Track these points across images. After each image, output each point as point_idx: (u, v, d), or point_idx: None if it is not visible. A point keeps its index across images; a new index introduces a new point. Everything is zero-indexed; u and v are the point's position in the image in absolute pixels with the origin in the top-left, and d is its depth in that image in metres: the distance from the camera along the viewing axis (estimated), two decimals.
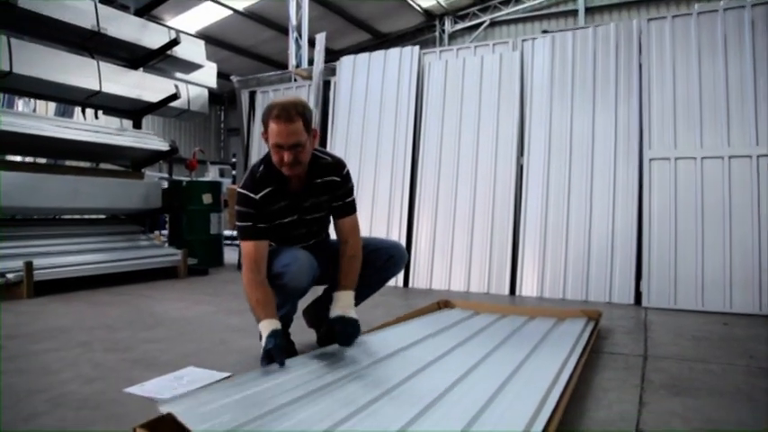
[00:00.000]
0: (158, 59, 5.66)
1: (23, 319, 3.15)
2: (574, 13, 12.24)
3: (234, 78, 6.79)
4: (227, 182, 9.64)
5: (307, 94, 5.76)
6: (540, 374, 1.83)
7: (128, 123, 5.95)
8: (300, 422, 1.36)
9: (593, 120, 4.23)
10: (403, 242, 4.49)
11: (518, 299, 4.08)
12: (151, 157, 5.71)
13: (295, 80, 6.51)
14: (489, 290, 4.30)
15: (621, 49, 4.23)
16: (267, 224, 2.14)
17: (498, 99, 4.63)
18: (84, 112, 5.66)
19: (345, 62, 5.49)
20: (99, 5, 4.98)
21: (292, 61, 7.82)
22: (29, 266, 3.87)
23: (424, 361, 1.94)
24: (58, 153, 6.03)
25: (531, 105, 4.50)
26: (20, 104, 8.00)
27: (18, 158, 6.30)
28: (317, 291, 2.43)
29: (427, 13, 13.26)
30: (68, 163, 6.51)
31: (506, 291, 4.24)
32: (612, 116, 4.16)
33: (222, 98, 16.02)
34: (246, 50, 13.32)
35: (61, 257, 4.36)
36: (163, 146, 5.55)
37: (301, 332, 2.48)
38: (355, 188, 2.37)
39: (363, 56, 5.43)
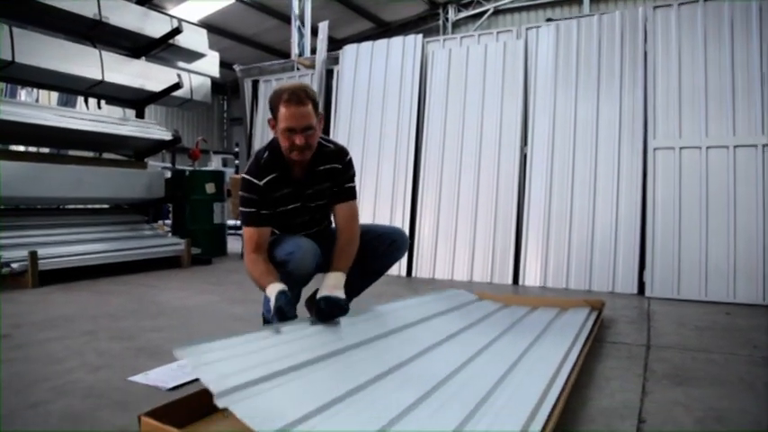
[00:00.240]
0: (161, 48, 5.64)
1: (28, 308, 3.17)
2: (579, 0, 12.12)
3: (236, 67, 6.77)
4: (230, 171, 9.62)
5: (309, 83, 5.73)
6: (544, 364, 1.83)
7: (130, 113, 5.96)
8: (299, 394, 1.36)
9: (598, 108, 4.21)
10: (406, 231, 4.49)
11: (521, 288, 4.08)
12: (154, 147, 5.71)
13: (298, 69, 6.49)
14: (492, 279, 4.31)
15: (627, 38, 4.20)
16: (270, 211, 2.14)
17: (502, 88, 4.61)
18: (86, 101, 5.67)
19: (348, 51, 5.47)
20: None
21: (295, 50, 7.79)
22: (33, 256, 3.89)
23: (429, 342, 1.95)
24: (60, 143, 6.03)
25: (534, 94, 4.47)
26: (23, 94, 8.00)
27: (21, 148, 6.31)
28: (319, 280, 2.43)
29: (430, 2, 13.15)
30: (71, 153, 6.51)
31: (509, 280, 4.25)
32: (617, 105, 4.14)
33: (225, 87, 15.95)
34: (249, 39, 13.24)
35: (65, 247, 4.38)
36: (166, 135, 5.55)
37: None
38: (358, 177, 2.36)
39: (366, 44, 5.40)
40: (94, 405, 1.67)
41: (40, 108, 5.18)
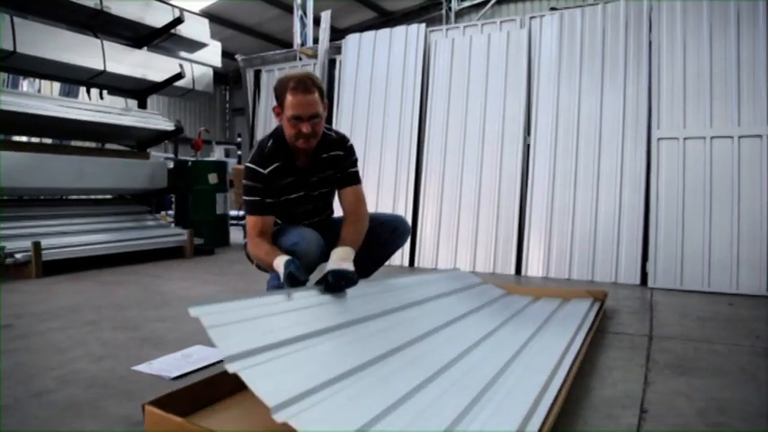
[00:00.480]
0: (162, 38, 5.62)
1: (32, 299, 3.18)
2: None
3: (239, 57, 6.74)
4: (232, 162, 9.62)
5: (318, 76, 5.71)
6: (546, 354, 1.84)
7: (132, 103, 5.94)
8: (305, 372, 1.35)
9: (602, 98, 4.18)
10: (409, 220, 4.49)
11: (523, 279, 4.08)
12: (156, 137, 5.70)
13: (300, 59, 6.46)
14: (495, 269, 4.31)
15: (631, 27, 4.16)
16: (274, 200, 2.14)
17: (505, 78, 4.58)
18: (88, 92, 5.66)
19: (351, 40, 5.44)
20: None
21: (297, 40, 7.75)
22: (37, 246, 3.90)
23: (435, 323, 1.96)
24: (63, 133, 6.03)
25: (538, 84, 4.45)
26: (24, 85, 8.00)
27: (24, 139, 6.31)
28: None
29: None
30: (74, 143, 6.52)
31: (512, 270, 4.25)
32: (621, 95, 4.12)
33: (227, 78, 15.89)
34: (251, 29, 13.18)
35: (68, 237, 4.39)
36: (168, 126, 5.55)
37: None
38: (361, 168, 2.36)
39: (369, 34, 5.37)
40: (98, 394, 1.68)
41: (42, 98, 5.17)
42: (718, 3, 3.84)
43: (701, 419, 1.49)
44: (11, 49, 4.18)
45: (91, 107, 5.05)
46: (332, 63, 5.73)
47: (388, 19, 13.54)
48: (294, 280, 1.79)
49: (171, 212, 7.28)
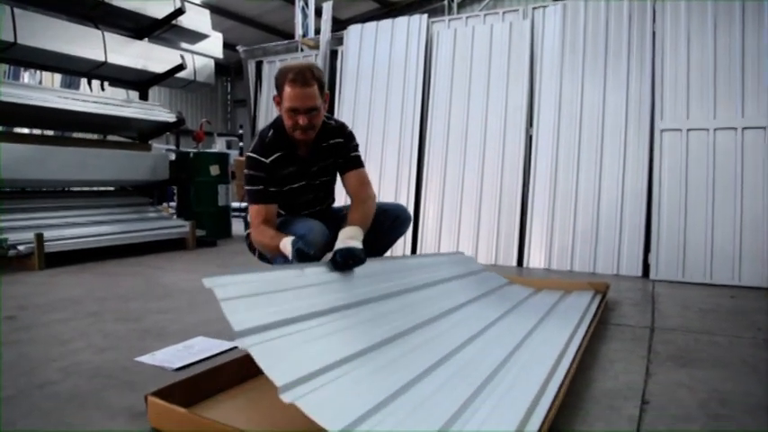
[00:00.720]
0: (163, 29, 5.60)
1: (35, 290, 3.19)
2: None
3: (240, 48, 6.72)
4: (234, 153, 9.60)
5: (319, 68, 5.69)
6: (548, 346, 1.84)
7: (134, 95, 5.93)
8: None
9: (604, 90, 4.16)
10: (411, 211, 4.49)
11: (525, 270, 4.08)
12: (158, 129, 5.70)
13: (302, 50, 6.43)
14: (497, 261, 4.31)
15: (635, 17, 4.13)
16: (277, 189, 2.14)
17: (508, 69, 4.56)
18: (90, 83, 5.64)
19: (353, 31, 5.41)
20: None
21: (299, 31, 7.72)
22: (39, 238, 3.90)
23: (438, 310, 1.97)
24: (64, 125, 6.03)
25: (541, 75, 4.43)
26: (26, 76, 7.99)
27: (25, 131, 6.30)
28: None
29: None
30: (75, 135, 6.51)
31: (514, 262, 4.25)
32: (624, 86, 4.09)
33: (228, 69, 15.85)
34: (252, 20, 13.12)
35: (71, 229, 4.40)
36: (170, 117, 5.54)
37: None
38: (362, 158, 2.35)
39: (371, 25, 5.35)
40: (101, 385, 1.69)
41: (43, 90, 5.16)
42: None
43: (703, 411, 1.49)
44: (11, 40, 4.17)
45: (92, 99, 5.04)
46: (334, 54, 5.71)
47: (390, 10, 13.47)
48: (304, 255, 1.77)
49: (173, 204, 7.29)
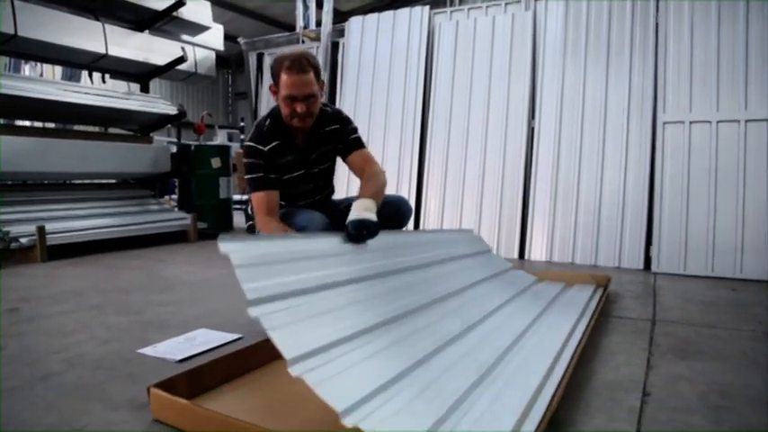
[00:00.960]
0: (164, 21, 5.57)
1: (37, 282, 3.20)
2: None
3: (241, 41, 6.70)
4: (235, 146, 9.59)
5: (315, 55, 5.67)
6: (548, 340, 1.85)
7: (135, 87, 5.92)
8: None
9: (607, 82, 4.14)
10: (412, 204, 4.49)
11: (527, 263, 4.08)
12: (159, 121, 5.69)
13: (303, 42, 6.41)
14: (498, 253, 4.30)
15: (638, 8, 4.11)
16: (277, 177, 2.14)
17: (510, 60, 4.54)
18: (90, 75, 5.63)
19: (354, 23, 5.39)
20: None
21: (300, 22, 7.68)
22: (41, 231, 3.91)
23: (445, 290, 1.98)
24: (65, 117, 6.01)
25: (543, 67, 4.41)
26: (26, 69, 7.97)
27: (27, 123, 6.30)
28: None
29: None
30: (77, 128, 6.50)
31: (515, 254, 4.25)
32: (626, 78, 4.07)
33: (229, 61, 15.80)
34: (253, 12, 13.07)
35: (73, 222, 4.40)
36: (171, 110, 5.53)
37: None
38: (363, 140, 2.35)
39: (372, 16, 5.32)
40: (104, 377, 1.69)
41: (44, 82, 5.15)
42: None
43: (703, 403, 1.50)
44: (12, 32, 4.15)
45: (93, 91, 5.02)
46: (335, 46, 5.69)
47: (391, 1, 13.38)
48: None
49: (174, 197, 7.29)
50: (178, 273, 3.57)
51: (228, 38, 7.24)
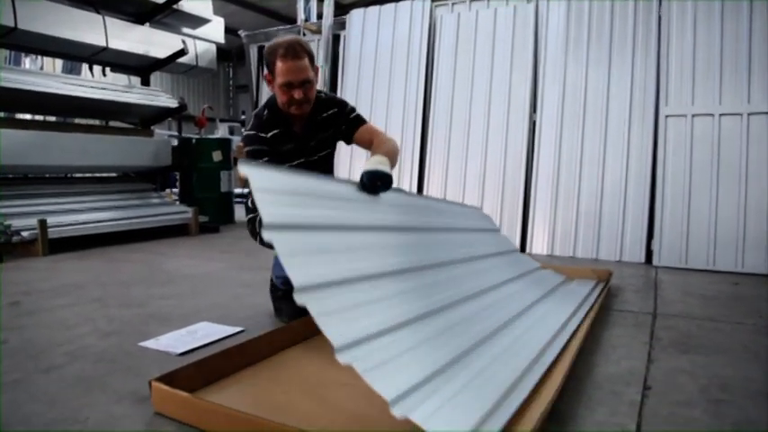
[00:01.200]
0: (165, 14, 5.57)
1: (39, 276, 3.21)
2: None
3: (242, 33, 6.67)
4: (236, 139, 9.58)
5: (316, 49, 5.65)
6: (553, 317, 1.85)
7: (136, 80, 5.91)
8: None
9: (609, 74, 4.12)
10: None
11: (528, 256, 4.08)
12: (160, 115, 5.68)
13: (304, 35, 6.38)
14: None
15: (640, 1, 4.08)
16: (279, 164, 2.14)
17: (512, 53, 4.52)
18: (91, 69, 5.62)
19: (355, 16, 5.37)
20: None
21: (301, 15, 7.62)
22: (43, 224, 3.91)
23: (453, 257, 2.00)
24: (66, 111, 5.99)
25: (545, 59, 4.39)
26: (27, 62, 7.95)
27: (27, 116, 6.29)
28: None
29: None
30: (77, 121, 6.50)
31: (517, 247, 4.24)
32: (629, 71, 4.05)
33: (230, 54, 15.72)
34: (254, 5, 13.00)
35: (74, 215, 4.40)
36: (172, 103, 5.52)
37: None
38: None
39: (373, 9, 5.30)
40: (106, 370, 1.70)
41: (44, 75, 5.14)
42: None
43: (704, 396, 1.50)
44: (12, 25, 4.15)
45: (94, 84, 5.01)
46: (336, 39, 5.67)
47: None
48: None
49: (176, 190, 7.29)
50: (179, 266, 3.57)
51: (229, 31, 7.22)
